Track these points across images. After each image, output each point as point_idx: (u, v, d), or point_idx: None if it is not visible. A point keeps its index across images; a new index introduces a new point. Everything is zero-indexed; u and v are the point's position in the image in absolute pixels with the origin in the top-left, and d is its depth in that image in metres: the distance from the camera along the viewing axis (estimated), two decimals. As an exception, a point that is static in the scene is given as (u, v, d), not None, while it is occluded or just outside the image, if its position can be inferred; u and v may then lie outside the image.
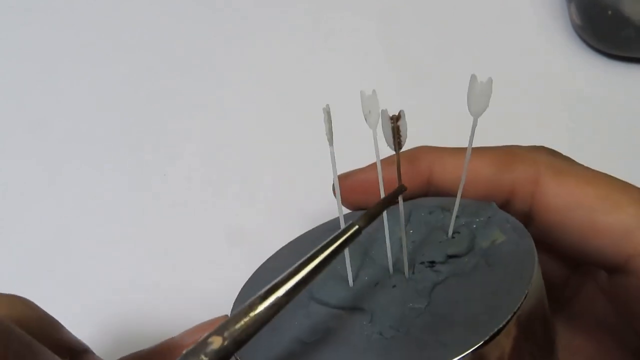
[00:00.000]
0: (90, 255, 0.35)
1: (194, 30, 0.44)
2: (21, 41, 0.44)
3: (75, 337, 0.22)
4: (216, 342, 0.15)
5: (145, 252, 0.34)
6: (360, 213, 0.17)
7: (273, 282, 0.16)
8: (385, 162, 0.21)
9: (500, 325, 0.16)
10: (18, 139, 0.40)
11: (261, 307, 0.15)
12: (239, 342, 0.15)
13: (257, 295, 0.16)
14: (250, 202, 0.36)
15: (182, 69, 0.42)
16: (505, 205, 0.21)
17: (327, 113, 0.18)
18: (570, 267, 0.23)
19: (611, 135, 0.37)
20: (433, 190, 0.22)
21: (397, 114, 0.17)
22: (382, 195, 0.19)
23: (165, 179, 0.37)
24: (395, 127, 0.17)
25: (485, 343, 0.15)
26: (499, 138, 0.38)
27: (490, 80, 0.18)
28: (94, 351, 0.23)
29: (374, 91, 0.18)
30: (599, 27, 0.39)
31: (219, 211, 0.36)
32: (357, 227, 0.16)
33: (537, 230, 0.21)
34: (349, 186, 0.22)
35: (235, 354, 0.18)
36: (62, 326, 0.22)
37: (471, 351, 0.15)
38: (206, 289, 0.32)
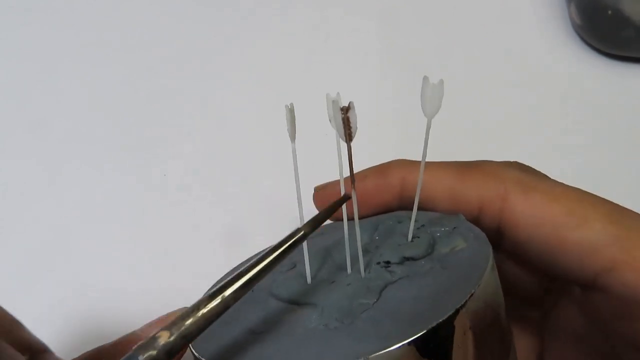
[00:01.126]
0: (90, 255, 0.35)
1: (194, 30, 0.44)
2: (21, 41, 0.44)
3: (35, 337, 0.23)
4: (163, 337, 0.16)
5: (145, 252, 0.34)
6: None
7: (222, 282, 0.17)
8: (358, 176, 0.21)
9: (440, 320, 0.16)
10: (18, 139, 0.40)
11: (210, 306, 0.17)
12: (186, 336, 0.16)
13: (205, 294, 0.17)
14: (249, 202, 0.36)
15: (182, 69, 0.42)
16: (476, 221, 0.21)
17: (290, 111, 0.19)
18: (549, 279, 0.23)
19: (611, 135, 0.37)
20: (406, 204, 0.22)
21: (347, 105, 0.17)
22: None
23: (165, 179, 0.37)
24: (345, 118, 0.17)
25: (423, 336, 0.15)
26: (499, 138, 0.38)
27: (441, 82, 0.18)
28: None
29: (338, 94, 0.18)
30: (599, 27, 0.39)
31: (218, 211, 0.36)
32: (302, 232, 0.18)
33: (509, 246, 0.21)
34: (324, 197, 0.23)
35: (190, 346, 0.19)
36: (22, 325, 0.22)
37: (406, 342, 0.15)
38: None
